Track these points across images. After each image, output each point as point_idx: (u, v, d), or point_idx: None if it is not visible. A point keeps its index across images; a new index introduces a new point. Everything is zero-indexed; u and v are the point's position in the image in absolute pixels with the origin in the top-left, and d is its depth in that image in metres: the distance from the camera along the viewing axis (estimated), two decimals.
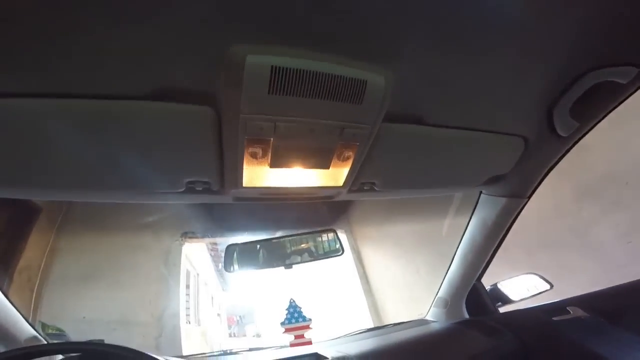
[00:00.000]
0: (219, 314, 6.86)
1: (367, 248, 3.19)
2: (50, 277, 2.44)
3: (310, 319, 1.12)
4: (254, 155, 0.57)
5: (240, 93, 0.47)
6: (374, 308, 3.23)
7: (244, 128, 0.52)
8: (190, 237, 3.10)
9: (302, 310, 1.13)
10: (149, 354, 0.72)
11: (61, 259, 2.48)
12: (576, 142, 0.83)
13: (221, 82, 0.48)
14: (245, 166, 0.59)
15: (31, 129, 0.47)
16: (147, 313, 2.79)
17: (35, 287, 2.42)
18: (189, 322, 4.01)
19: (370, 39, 0.49)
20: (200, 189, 0.64)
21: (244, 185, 0.63)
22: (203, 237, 3.18)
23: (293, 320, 1.11)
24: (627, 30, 0.56)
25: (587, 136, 0.81)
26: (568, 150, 0.85)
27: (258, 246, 1.12)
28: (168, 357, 0.95)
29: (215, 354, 1.29)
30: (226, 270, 1.10)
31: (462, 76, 0.60)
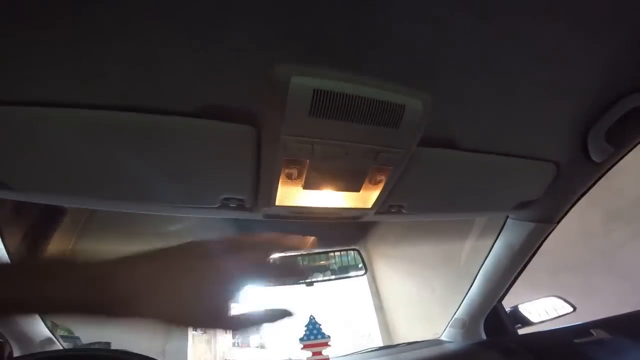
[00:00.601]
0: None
1: (382, 265, 3.13)
2: None
3: (329, 336, 1.10)
4: (289, 176, 0.58)
5: (283, 114, 0.48)
6: (385, 326, 3.16)
7: (283, 149, 0.53)
8: None
9: (321, 327, 1.11)
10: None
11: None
12: (610, 167, 0.81)
13: (264, 102, 0.49)
14: (280, 186, 0.60)
15: (82, 138, 0.49)
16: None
17: None
18: (196, 330, 4.00)
19: (409, 63, 0.49)
20: (235, 205, 0.64)
21: (277, 204, 0.64)
22: None
23: (312, 337, 1.10)
24: None
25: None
26: (602, 176, 0.83)
27: (279, 261, 1.11)
28: None
29: None
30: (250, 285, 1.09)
31: (496, 100, 0.59)
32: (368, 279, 3.27)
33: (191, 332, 3.13)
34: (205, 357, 4.31)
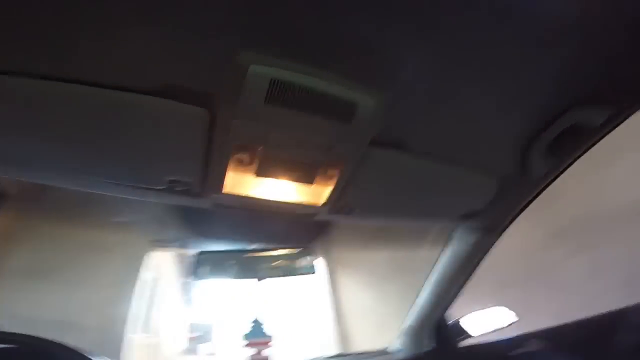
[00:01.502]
0: (175, 328, 6.48)
1: (342, 272, 3.16)
2: (1, 269, 2.26)
3: (271, 336, 1.09)
4: (240, 162, 0.58)
5: (238, 99, 0.49)
6: (341, 333, 3.16)
7: (235, 133, 0.53)
8: (159, 245, 2.96)
9: (264, 326, 1.09)
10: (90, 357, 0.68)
11: (15, 248, 2.30)
12: (549, 182, 0.87)
13: (221, 86, 0.49)
14: (229, 172, 0.59)
15: (23, 107, 0.48)
16: (93, 317, 2.61)
17: None
18: (137, 332, 3.76)
19: (366, 61, 0.52)
20: (181, 189, 0.63)
21: (225, 191, 0.63)
22: (172, 246, 3.04)
23: (255, 335, 1.07)
24: (602, 73, 0.61)
25: (560, 180, 0.86)
26: (541, 191, 0.89)
27: (231, 256, 1.09)
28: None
29: None
30: (195, 277, 1.05)
31: (447, 106, 0.63)
32: (328, 289, 3.28)
33: (129, 335, 2.93)
34: None
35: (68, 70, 0.46)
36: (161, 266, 4.31)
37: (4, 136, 0.50)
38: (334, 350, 3.12)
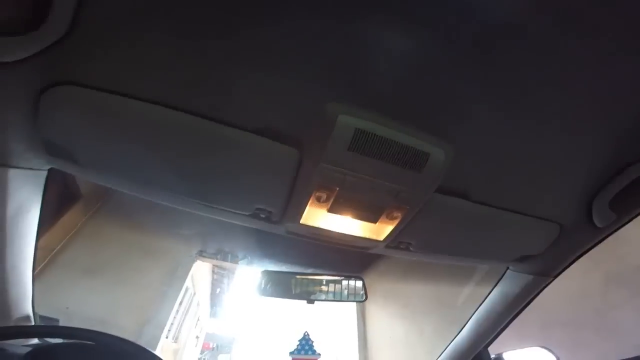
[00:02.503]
0: (197, 337, 6.59)
1: (374, 302, 3.10)
2: (57, 261, 2.44)
3: (320, 354, 1.10)
4: (318, 199, 0.64)
5: (326, 144, 0.54)
6: None
7: (319, 174, 0.59)
8: (204, 256, 3.09)
9: (314, 344, 1.11)
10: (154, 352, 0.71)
11: (77, 246, 2.48)
12: (611, 233, 0.84)
13: (311, 131, 0.56)
14: (308, 206, 0.65)
15: (146, 130, 0.56)
16: (131, 318, 2.72)
17: (39, 267, 2.41)
18: (167, 337, 3.88)
19: (439, 117, 0.57)
20: (264, 216, 0.70)
21: (301, 222, 0.69)
22: (216, 258, 3.16)
23: (302, 352, 1.10)
24: None
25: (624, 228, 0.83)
26: (602, 240, 0.87)
27: (289, 278, 1.15)
28: None
29: None
30: (259, 293, 1.12)
31: (511, 159, 0.66)
32: (357, 317, 3.22)
33: (162, 339, 3.03)
34: None
35: (189, 103, 0.53)
36: (200, 276, 4.46)
37: (126, 153, 0.59)
38: None
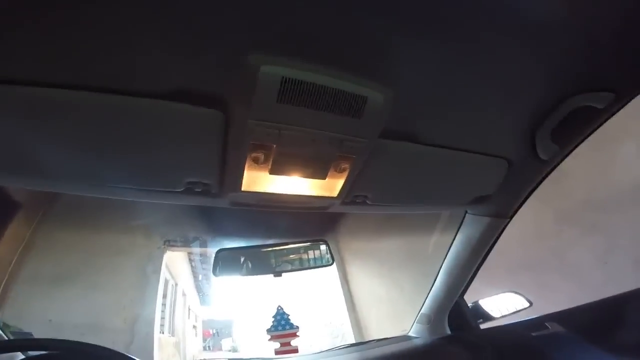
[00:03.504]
0: (194, 326, 6.63)
1: (352, 263, 3.20)
2: (21, 275, 2.32)
3: (297, 327, 1.11)
4: (256, 160, 0.60)
5: (251, 99, 0.50)
6: (357, 324, 3.21)
7: (250, 133, 0.54)
8: (172, 245, 3.03)
9: (289, 317, 1.12)
10: (127, 354, 0.70)
11: (35, 257, 2.36)
12: (556, 165, 0.88)
13: (233, 87, 0.51)
14: (246, 171, 0.61)
15: (38, 116, 0.48)
16: (120, 319, 2.68)
17: (2, 284, 2.29)
18: (163, 332, 3.88)
19: (373, 57, 0.53)
20: (200, 190, 0.65)
21: (243, 189, 0.65)
22: (186, 245, 3.11)
23: (280, 328, 1.10)
24: (606, 57, 0.62)
25: (567, 161, 0.87)
26: (549, 173, 0.91)
27: (248, 253, 1.12)
28: None
29: None
30: (215, 275, 1.08)
31: (454, 97, 0.64)
32: (340, 280, 3.32)
33: (157, 335, 3.02)
34: (174, 359, 4.18)
35: (82, 78, 0.46)
36: (177, 266, 4.41)
37: (19, 145, 0.51)
38: (349, 340, 3.18)
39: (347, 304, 3.23)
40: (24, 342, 0.73)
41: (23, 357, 0.79)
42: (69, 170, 0.57)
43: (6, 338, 0.84)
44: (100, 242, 2.54)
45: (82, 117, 0.50)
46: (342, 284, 3.29)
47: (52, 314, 2.34)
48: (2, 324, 0.85)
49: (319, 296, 3.76)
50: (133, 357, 0.70)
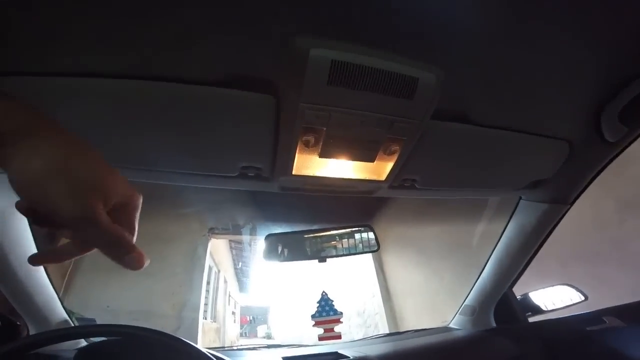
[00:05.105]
0: (233, 312, 6.96)
1: (390, 252, 3.15)
2: (82, 266, 2.54)
3: (341, 313, 1.12)
4: (306, 144, 0.60)
5: (302, 83, 0.50)
6: (392, 314, 3.18)
7: (301, 116, 0.55)
8: (216, 233, 3.17)
9: (333, 303, 1.13)
10: (190, 342, 0.73)
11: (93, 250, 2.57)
12: (624, 148, 0.80)
13: (284, 71, 0.51)
14: (297, 154, 0.62)
15: (102, 106, 0.52)
16: (169, 305, 2.87)
17: (68, 273, 2.53)
18: (206, 318, 4.10)
19: (423, 37, 0.51)
20: (253, 174, 0.67)
21: (294, 173, 0.66)
22: (229, 233, 3.24)
23: (324, 314, 1.11)
24: None
25: (633, 144, 0.79)
26: (615, 157, 0.83)
27: (294, 238, 1.14)
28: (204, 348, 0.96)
29: (235, 348, 1.31)
30: (265, 259, 1.12)
31: (510, 75, 0.60)
32: (375, 269, 3.29)
33: (201, 321, 3.20)
34: (214, 345, 4.41)
35: (142, 68, 0.49)
36: (220, 254, 4.62)
37: (83, 134, 0.55)
38: (382, 330, 3.16)
39: (382, 293, 3.21)
40: (89, 329, 0.79)
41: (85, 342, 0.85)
42: (133, 158, 0.61)
43: (71, 322, 0.93)
44: (150, 232, 2.71)
45: (142, 106, 0.53)
46: (377, 272, 3.27)
47: (109, 301, 2.55)
48: (68, 311, 0.93)
49: (352, 284, 3.77)
50: (188, 340, 0.73)
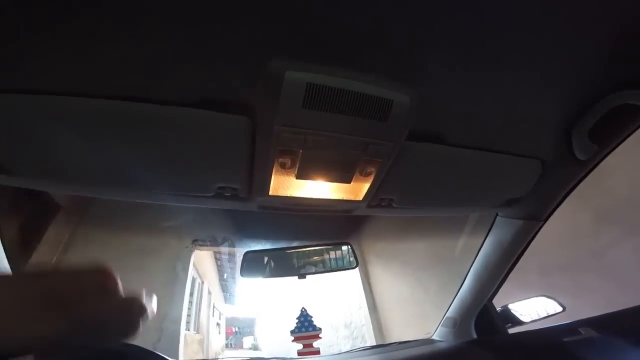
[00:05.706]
0: (218, 324, 6.80)
1: (375, 264, 3.17)
2: None
3: (320, 329, 1.11)
4: (283, 166, 0.60)
5: (277, 106, 0.50)
6: (378, 325, 3.18)
7: (276, 139, 0.55)
8: (200, 245, 3.12)
9: (313, 319, 1.12)
10: (154, 351, 0.71)
11: (73, 257, 2.49)
12: (595, 165, 0.83)
13: (259, 94, 0.51)
14: (273, 175, 0.62)
15: (79, 126, 0.51)
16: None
17: None
18: (189, 329, 4.00)
19: (397, 60, 0.52)
20: (229, 194, 0.66)
21: (270, 193, 0.65)
22: (213, 245, 3.19)
23: (303, 329, 1.10)
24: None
25: (607, 159, 0.81)
26: (587, 174, 0.85)
27: (274, 255, 1.13)
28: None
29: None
30: (242, 275, 1.10)
31: (483, 96, 0.62)
32: (362, 281, 3.30)
33: (183, 331, 3.12)
34: (197, 356, 4.29)
35: (116, 88, 0.48)
36: (204, 265, 4.54)
37: (62, 154, 0.53)
38: (370, 341, 3.15)
39: (368, 305, 3.21)
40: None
41: None
42: (108, 177, 0.60)
43: None
44: (133, 243, 2.65)
45: (117, 126, 0.52)
46: (364, 284, 3.27)
47: None
48: None
49: (339, 296, 3.75)
50: (160, 354, 0.71)
